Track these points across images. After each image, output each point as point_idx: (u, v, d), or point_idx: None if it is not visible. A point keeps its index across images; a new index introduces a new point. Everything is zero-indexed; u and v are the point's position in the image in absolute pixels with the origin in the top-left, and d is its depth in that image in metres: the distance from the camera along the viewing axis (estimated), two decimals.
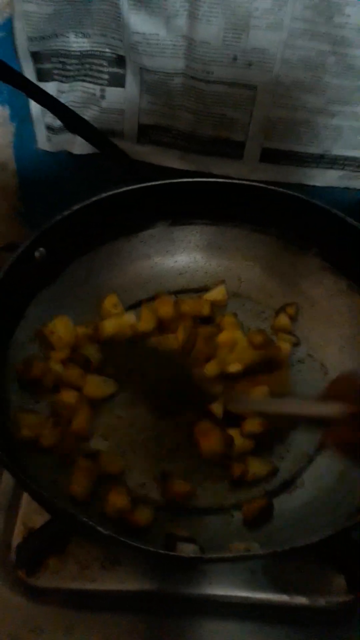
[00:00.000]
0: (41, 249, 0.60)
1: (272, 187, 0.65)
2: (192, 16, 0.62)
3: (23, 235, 0.82)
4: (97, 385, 0.60)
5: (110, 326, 0.63)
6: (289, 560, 0.52)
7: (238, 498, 0.55)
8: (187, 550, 0.44)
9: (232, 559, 0.41)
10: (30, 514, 0.56)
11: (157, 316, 0.65)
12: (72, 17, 0.64)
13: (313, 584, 0.53)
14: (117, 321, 0.63)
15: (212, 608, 0.53)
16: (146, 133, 0.74)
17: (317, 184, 0.74)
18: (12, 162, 0.77)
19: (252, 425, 0.56)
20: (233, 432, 0.56)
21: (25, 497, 0.57)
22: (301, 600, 0.52)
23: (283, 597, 0.52)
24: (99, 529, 0.41)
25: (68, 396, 0.58)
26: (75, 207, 0.60)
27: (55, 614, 0.53)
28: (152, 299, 0.69)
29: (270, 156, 0.73)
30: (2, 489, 0.59)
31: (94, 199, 0.62)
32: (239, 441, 0.56)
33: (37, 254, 0.60)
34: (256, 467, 0.55)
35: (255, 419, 0.56)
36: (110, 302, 0.66)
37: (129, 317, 0.65)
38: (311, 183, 0.74)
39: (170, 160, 0.75)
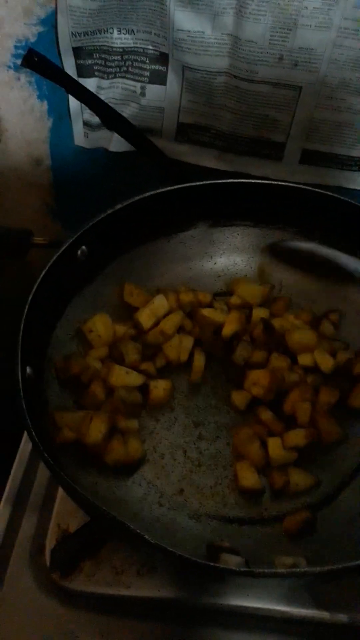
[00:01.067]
0: (83, 247, 0.59)
1: (317, 190, 0.64)
2: (239, 14, 0.61)
3: (54, 232, 0.83)
4: (125, 377, 0.59)
5: (145, 316, 0.62)
6: (340, 578, 0.50)
7: (279, 510, 0.54)
8: (232, 562, 0.43)
9: (285, 575, 0.40)
10: (65, 516, 0.55)
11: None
12: (117, 13, 0.63)
13: (354, 602, 0.51)
14: (150, 308, 0.62)
15: (248, 621, 0.52)
16: (185, 132, 0.73)
17: (357, 187, 0.73)
18: (48, 157, 0.77)
19: (296, 437, 0.55)
20: (274, 443, 0.55)
21: (59, 498, 0.56)
22: (341, 617, 0.50)
23: (323, 614, 0.51)
24: (146, 537, 0.40)
25: (97, 390, 0.57)
26: (118, 207, 0.60)
27: (89, 618, 0.52)
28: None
29: (310, 158, 0.72)
30: (35, 491, 0.59)
31: (136, 198, 0.61)
32: (281, 452, 0.54)
33: (79, 252, 0.59)
34: (298, 478, 0.54)
35: (300, 431, 0.55)
36: (127, 292, 0.65)
37: (160, 301, 0.63)
38: (351, 186, 0.73)
39: (208, 160, 0.74)
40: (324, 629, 0.51)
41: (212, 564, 0.39)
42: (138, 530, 0.40)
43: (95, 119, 0.72)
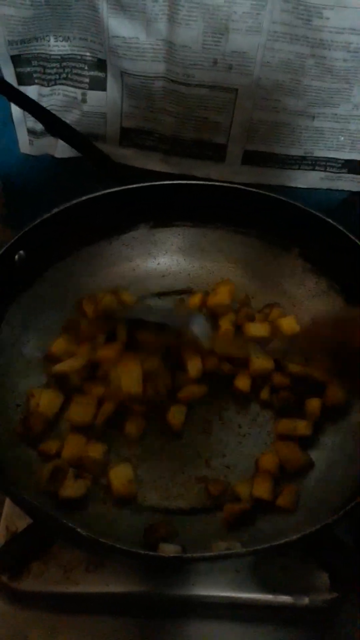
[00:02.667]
0: (21, 252, 0.60)
1: (253, 189, 0.66)
2: (172, 20, 0.62)
3: (6, 238, 0.83)
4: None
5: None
6: (272, 558, 0.52)
7: (221, 501, 0.55)
8: (169, 550, 0.44)
9: (213, 558, 0.41)
10: (13, 518, 0.55)
11: None
12: (51, 21, 0.64)
13: (297, 583, 0.53)
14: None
15: (197, 609, 0.53)
16: (128, 136, 0.74)
17: (300, 185, 0.75)
18: None
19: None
20: None
21: (8, 501, 0.57)
22: (285, 599, 0.52)
23: (267, 597, 0.52)
24: (79, 530, 0.41)
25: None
26: (55, 210, 0.60)
27: (39, 618, 0.53)
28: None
29: (252, 158, 0.73)
30: None
31: (74, 201, 0.62)
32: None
33: (16, 257, 0.60)
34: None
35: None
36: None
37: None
38: (293, 185, 0.75)
39: (153, 163, 0.76)
40: (270, 611, 0.53)
41: (143, 552, 0.40)
42: (71, 524, 0.41)
43: (39, 126, 0.73)
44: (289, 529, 0.50)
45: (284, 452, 0.56)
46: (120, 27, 0.64)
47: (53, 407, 0.58)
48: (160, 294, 0.70)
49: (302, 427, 0.58)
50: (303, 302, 0.68)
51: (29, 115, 0.71)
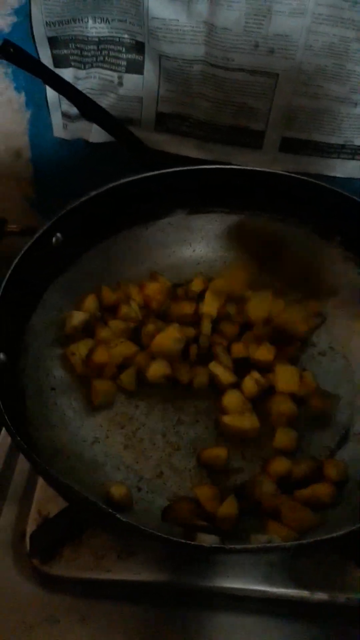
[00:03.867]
0: (58, 234, 0.59)
1: (293, 175, 0.64)
2: (213, 1, 0.61)
3: (35, 222, 0.83)
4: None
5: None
6: (312, 553, 0.51)
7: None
8: (208, 540, 0.43)
9: (255, 550, 0.40)
10: (45, 502, 0.55)
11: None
12: (90, 2, 0.63)
13: (333, 580, 0.51)
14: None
15: (228, 601, 0.52)
16: (164, 121, 0.73)
17: (338, 174, 0.73)
18: (28, 149, 0.77)
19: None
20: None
21: (40, 485, 0.57)
22: (321, 596, 0.51)
23: (303, 593, 0.51)
24: (119, 517, 0.40)
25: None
26: (93, 194, 0.60)
27: (70, 603, 0.52)
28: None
29: (290, 146, 0.72)
30: (16, 477, 0.59)
31: (111, 185, 0.61)
32: None
33: (53, 239, 0.59)
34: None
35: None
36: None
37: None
38: (332, 174, 0.73)
39: (188, 149, 0.74)
40: (304, 607, 0.51)
41: (183, 541, 0.39)
42: (110, 510, 0.40)
43: (74, 110, 0.72)
44: (330, 524, 0.49)
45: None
46: (160, 8, 0.62)
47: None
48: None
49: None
50: (344, 293, 0.66)
51: (64, 98, 0.70)
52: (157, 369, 0.59)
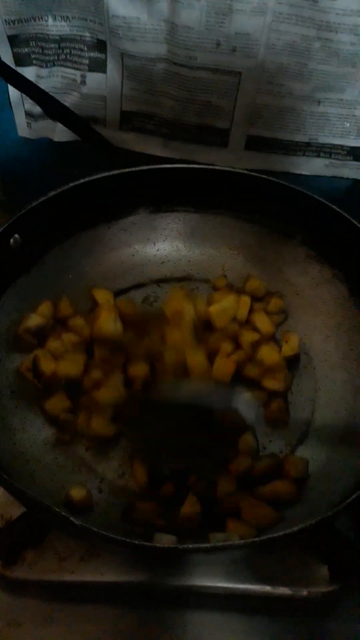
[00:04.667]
0: (16, 235, 0.59)
1: (256, 174, 0.64)
2: (173, 0, 0.60)
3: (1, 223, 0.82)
4: None
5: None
6: (271, 550, 0.51)
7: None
8: (165, 540, 0.44)
9: (210, 549, 0.41)
10: (7, 506, 0.55)
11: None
12: (50, 0, 0.63)
13: (296, 575, 0.52)
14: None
15: (193, 599, 0.53)
16: (129, 120, 0.73)
17: (304, 172, 0.73)
18: None
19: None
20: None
21: (2, 488, 0.56)
22: (284, 590, 0.51)
23: (265, 588, 0.52)
24: (73, 520, 0.40)
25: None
26: (52, 193, 0.59)
27: (34, 606, 0.52)
28: (132, 288, 0.68)
29: (255, 144, 0.72)
30: None
31: (71, 184, 0.60)
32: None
33: (12, 241, 0.59)
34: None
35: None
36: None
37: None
38: (297, 171, 0.73)
39: (154, 147, 0.74)
40: (268, 602, 0.52)
41: (137, 542, 0.39)
42: (65, 514, 0.40)
43: (37, 109, 0.72)
44: (290, 520, 0.49)
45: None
46: (120, 6, 0.62)
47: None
48: (159, 281, 0.69)
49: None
50: (306, 291, 0.67)
51: (27, 97, 0.70)
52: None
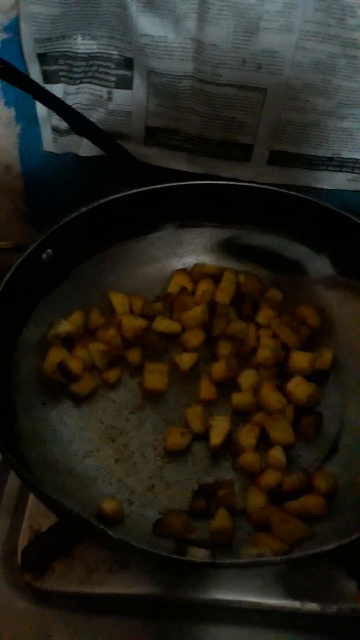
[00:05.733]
0: (49, 250, 0.60)
1: (282, 190, 0.65)
2: (201, 19, 0.61)
3: (28, 236, 0.83)
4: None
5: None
6: (305, 566, 0.51)
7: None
8: (199, 554, 0.44)
9: (245, 565, 0.41)
10: (37, 517, 0.55)
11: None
12: (79, 19, 0.64)
13: (324, 591, 0.52)
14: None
15: (221, 613, 0.53)
16: (153, 135, 0.74)
17: (326, 186, 0.74)
18: (18, 163, 0.77)
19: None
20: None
21: (32, 499, 0.57)
22: (312, 606, 0.51)
23: (294, 604, 0.51)
24: (110, 533, 0.40)
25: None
26: (83, 209, 0.60)
27: (62, 617, 0.53)
28: (158, 301, 0.68)
29: (278, 159, 0.73)
30: (7, 492, 0.59)
31: (102, 201, 0.61)
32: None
33: (44, 255, 0.60)
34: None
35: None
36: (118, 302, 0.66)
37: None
38: (320, 186, 0.74)
39: (178, 162, 0.75)
40: (296, 618, 0.52)
41: (174, 556, 0.40)
42: (102, 527, 0.41)
43: (64, 124, 0.73)
44: (321, 535, 0.49)
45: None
46: (149, 25, 0.63)
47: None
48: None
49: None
50: (333, 306, 0.67)
51: (54, 113, 0.71)
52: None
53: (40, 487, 0.44)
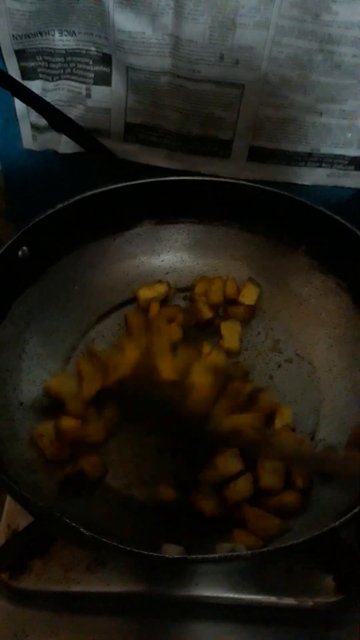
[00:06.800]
0: (24, 247, 0.59)
1: (260, 186, 0.65)
2: (178, 14, 0.61)
3: (8, 235, 0.83)
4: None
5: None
6: (277, 561, 0.51)
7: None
8: (172, 551, 0.44)
9: (217, 560, 0.41)
10: (14, 516, 0.55)
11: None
12: (56, 15, 0.64)
13: (301, 585, 0.52)
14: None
15: (199, 610, 0.53)
16: (133, 132, 0.73)
17: (306, 182, 0.74)
18: None
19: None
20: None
21: (9, 498, 0.56)
22: (289, 601, 0.51)
23: (271, 598, 0.52)
24: (82, 530, 0.40)
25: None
26: (59, 206, 0.60)
27: (40, 617, 0.52)
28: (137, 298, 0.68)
29: (257, 155, 0.73)
30: None
31: (77, 197, 0.61)
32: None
33: (20, 252, 0.59)
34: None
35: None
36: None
37: None
38: (299, 182, 0.74)
39: (158, 159, 0.75)
40: (273, 613, 0.52)
41: (146, 552, 0.40)
42: (74, 524, 0.40)
43: (43, 121, 0.73)
44: (296, 530, 0.49)
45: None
46: (126, 21, 0.63)
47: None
48: None
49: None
50: (310, 301, 0.67)
51: (33, 110, 0.71)
52: None
53: (16, 487, 0.44)
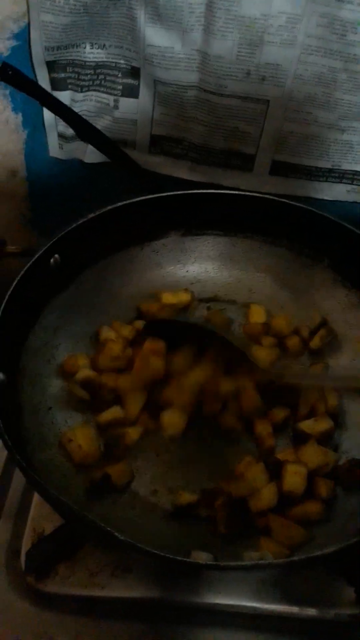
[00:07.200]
0: (56, 255, 0.60)
1: (284, 200, 0.66)
2: (207, 31, 0.63)
3: (30, 241, 0.84)
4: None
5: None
6: (302, 570, 0.52)
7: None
8: (201, 557, 0.44)
9: (248, 567, 0.42)
10: (40, 520, 0.56)
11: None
12: (89, 29, 0.65)
13: (322, 596, 0.52)
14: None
15: (220, 618, 0.53)
16: (158, 144, 0.75)
17: (326, 197, 0.75)
18: (23, 169, 0.78)
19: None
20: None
21: (35, 502, 0.57)
22: (310, 611, 0.52)
23: (292, 609, 0.52)
24: (116, 534, 0.41)
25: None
26: (91, 215, 0.61)
27: (64, 620, 0.53)
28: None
29: (279, 169, 0.74)
30: (11, 494, 0.59)
31: (109, 207, 0.62)
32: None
33: (52, 260, 0.60)
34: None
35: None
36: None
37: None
38: (320, 196, 0.75)
39: (181, 171, 0.76)
40: (294, 623, 0.52)
41: (179, 558, 0.40)
42: (109, 529, 0.41)
43: (70, 131, 0.74)
44: (320, 540, 0.50)
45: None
46: (156, 36, 0.64)
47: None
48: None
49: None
50: (333, 314, 0.68)
51: (60, 119, 0.72)
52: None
53: (51, 490, 0.44)
